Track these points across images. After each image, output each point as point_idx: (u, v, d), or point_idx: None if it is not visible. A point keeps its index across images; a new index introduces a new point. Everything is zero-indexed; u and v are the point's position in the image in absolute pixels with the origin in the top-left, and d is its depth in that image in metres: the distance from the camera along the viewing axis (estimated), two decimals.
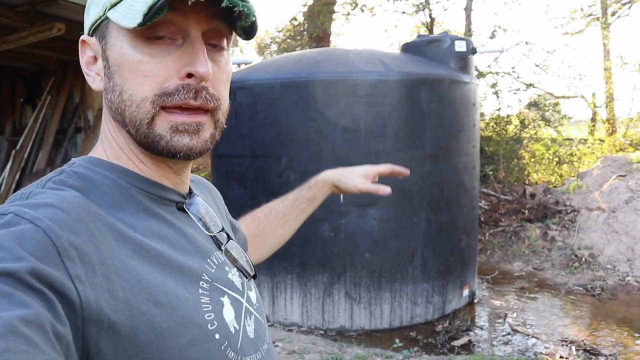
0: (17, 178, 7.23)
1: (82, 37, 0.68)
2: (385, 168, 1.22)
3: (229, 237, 0.75)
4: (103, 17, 0.63)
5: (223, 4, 0.58)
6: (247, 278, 0.76)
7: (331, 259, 4.09)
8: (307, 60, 4.36)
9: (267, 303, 4.28)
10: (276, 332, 4.05)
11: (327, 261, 4.09)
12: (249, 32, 0.65)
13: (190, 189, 0.75)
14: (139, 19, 0.57)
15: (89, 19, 0.67)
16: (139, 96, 0.61)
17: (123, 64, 0.62)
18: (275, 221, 1.13)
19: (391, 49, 10.11)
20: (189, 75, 0.61)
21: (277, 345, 3.69)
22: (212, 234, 0.73)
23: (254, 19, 0.62)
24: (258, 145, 4.19)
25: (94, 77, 0.67)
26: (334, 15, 12.13)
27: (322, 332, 4.10)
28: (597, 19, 11.47)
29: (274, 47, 14.40)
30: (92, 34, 0.67)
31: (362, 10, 11.76)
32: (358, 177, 1.18)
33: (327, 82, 4.04)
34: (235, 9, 0.59)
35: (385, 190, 1.17)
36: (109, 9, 0.62)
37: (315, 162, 4.04)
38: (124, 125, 0.64)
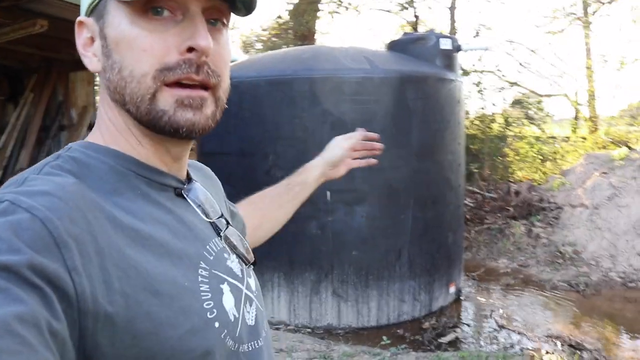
0: (0, 176, 7.12)
1: (78, 19, 0.66)
2: (359, 134, 1.29)
3: (228, 224, 0.74)
4: None
5: None
6: (246, 265, 0.75)
7: (319, 257, 4.09)
8: (293, 57, 4.35)
9: None
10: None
11: (315, 259, 4.09)
12: (248, 6, 0.65)
13: (188, 174, 0.74)
14: None
15: (86, 0, 0.66)
16: (139, 72, 0.60)
17: (121, 41, 0.61)
18: (271, 202, 1.14)
19: (377, 47, 10.14)
20: (190, 50, 0.60)
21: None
22: (211, 220, 0.71)
23: None
24: (245, 143, 4.18)
25: (90, 58, 0.66)
26: (319, 14, 12.14)
27: (309, 330, 4.10)
28: (579, 18, 11.61)
29: (259, 46, 14.37)
30: (89, 15, 0.66)
31: (347, 9, 11.79)
32: (341, 149, 1.26)
33: (313, 80, 4.03)
34: None
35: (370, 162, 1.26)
36: None
37: (301, 160, 3.98)
38: (124, 104, 0.62)
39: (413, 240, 4.22)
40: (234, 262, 0.72)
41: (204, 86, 0.63)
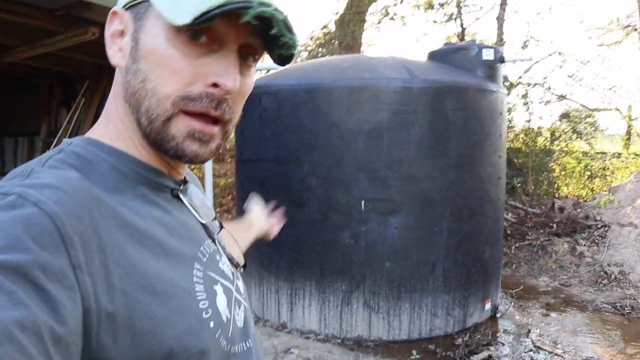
0: None
1: (114, 8, 0.66)
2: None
3: (220, 226, 0.76)
4: None
5: (272, 32, 0.58)
6: (236, 268, 0.76)
7: (351, 266, 4.06)
8: (332, 66, 4.36)
9: (286, 309, 4.27)
10: (293, 339, 4.03)
11: (347, 269, 4.06)
12: (284, 60, 0.65)
13: (184, 176, 0.76)
14: (187, 20, 0.56)
15: None
16: (163, 92, 0.60)
17: (154, 53, 0.61)
18: None
19: (420, 58, 10.06)
20: (214, 85, 0.61)
21: (292, 352, 3.68)
22: (205, 222, 0.73)
23: (294, 51, 0.63)
24: (281, 150, 4.21)
25: (115, 51, 0.65)
26: (365, 25, 12.14)
27: (339, 340, 4.06)
28: (635, 29, 11.17)
29: (304, 55, 14.49)
30: (126, 8, 0.65)
31: (393, 19, 11.74)
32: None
33: (351, 89, 4.03)
34: (281, 39, 0.60)
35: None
36: None
37: (337, 169, 4.03)
38: (136, 112, 0.63)
39: (448, 253, 4.13)
40: (225, 265, 0.73)
41: (216, 120, 0.64)
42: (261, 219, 1.34)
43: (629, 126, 10.04)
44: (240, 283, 0.77)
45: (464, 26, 10.97)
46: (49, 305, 0.45)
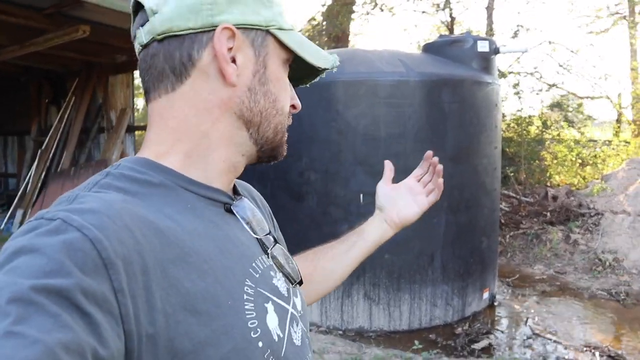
0: (43, 177, 7.37)
1: (227, 25, 0.65)
2: (417, 172, 1.14)
3: (275, 241, 0.75)
4: (263, 29, 0.68)
5: (306, 84, 0.83)
6: (292, 284, 0.75)
7: None
8: None
9: None
10: None
11: None
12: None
13: (236, 190, 0.76)
14: (328, 66, 0.76)
15: (236, 13, 0.66)
16: (286, 110, 0.73)
17: (280, 79, 0.71)
18: (323, 254, 1.06)
19: (410, 49, 10.06)
20: (293, 106, 0.75)
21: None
22: (259, 237, 0.72)
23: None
24: None
25: (234, 69, 0.66)
26: (353, 15, 12.12)
27: (340, 332, 4.10)
28: (624, 17, 11.25)
29: None
30: (237, 27, 0.66)
31: (382, 10, 11.73)
32: (381, 189, 1.14)
33: (348, 83, 4.04)
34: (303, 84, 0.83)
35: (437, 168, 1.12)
36: (277, 29, 0.69)
37: (335, 163, 4.04)
38: (257, 126, 0.70)
39: (446, 244, 4.18)
40: (280, 281, 0.71)
41: None
42: (380, 187, 1.14)
43: (620, 114, 10.14)
44: (298, 300, 0.76)
45: (453, 16, 10.99)
46: (92, 328, 0.46)
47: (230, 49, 0.66)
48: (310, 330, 3.89)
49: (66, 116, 7.62)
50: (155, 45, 0.66)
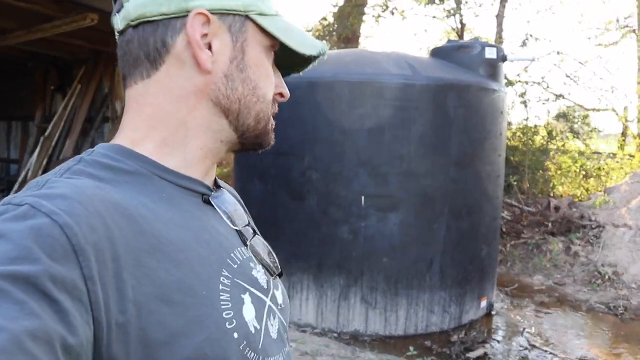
0: (45, 164, 7.36)
1: (201, 10, 0.63)
2: None
3: (254, 232, 0.74)
4: (242, 14, 0.66)
5: (299, 72, 0.79)
6: (272, 276, 0.73)
7: (349, 261, 4.06)
8: (334, 60, 4.34)
9: None
10: (290, 332, 4.03)
11: (345, 264, 4.07)
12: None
13: (217, 182, 0.75)
14: (314, 53, 0.71)
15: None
16: (269, 98, 0.70)
17: (260, 66, 0.68)
18: None
19: (420, 54, 10.04)
20: (280, 94, 0.73)
21: (289, 346, 3.68)
22: (238, 228, 0.71)
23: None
24: (282, 142, 4.17)
25: (208, 55, 0.65)
26: (364, 17, 12.09)
27: (335, 335, 4.07)
28: (633, 31, 11.20)
29: None
30: (212, 13, 0.64)
31: (393, 13, 11.69)
32: None
33: (353, 83, 4.01)
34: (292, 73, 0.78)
35: None
36: (257, 15, 0.66)
37: (338, 163, 4.02)
38: (235, 114, 0.67)
39: (445, 251, 4.15)
40: (259, 272, 0.70)
41: None
42: None
43: (625, 127, 10.09)
44: (278, 293, 0.74)
45: (464, 22, 10.95)
46: (60, 315, 0.45)
47: (205, 35, 0.64)
48: (305, 331, 3.88)
49: (71, 104, 7.61)
50: (130, 32, 0.65)
